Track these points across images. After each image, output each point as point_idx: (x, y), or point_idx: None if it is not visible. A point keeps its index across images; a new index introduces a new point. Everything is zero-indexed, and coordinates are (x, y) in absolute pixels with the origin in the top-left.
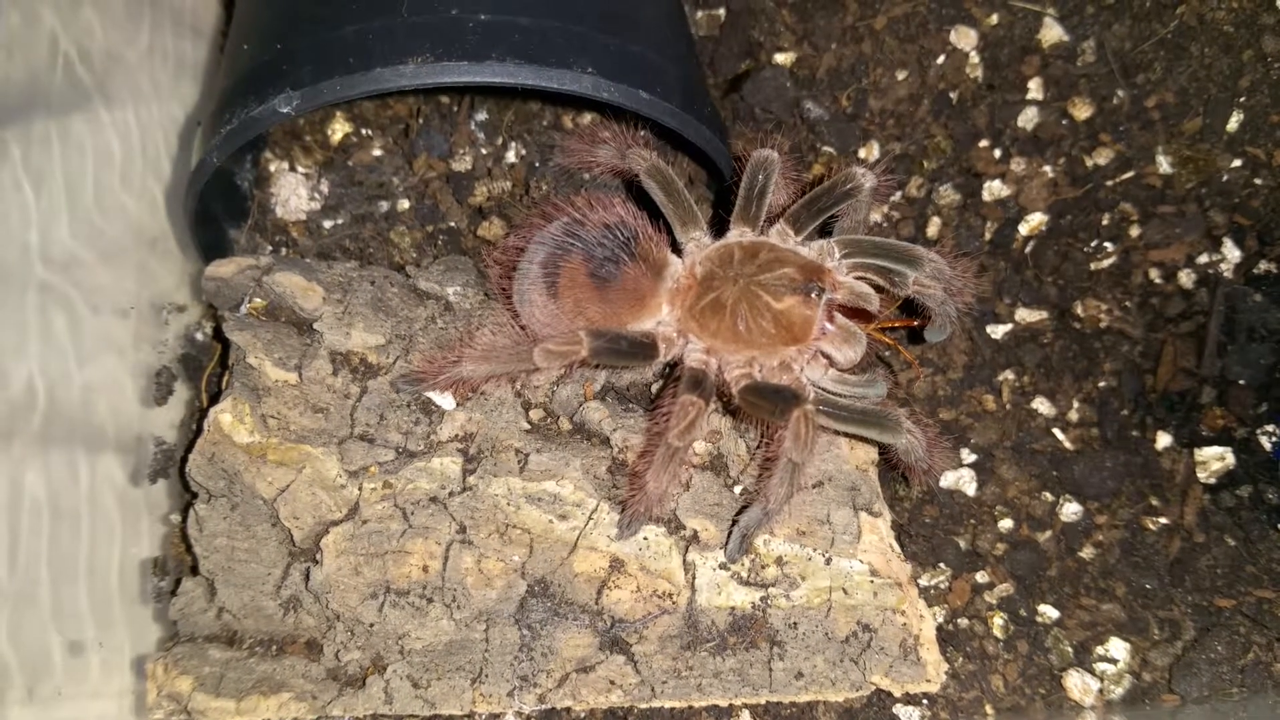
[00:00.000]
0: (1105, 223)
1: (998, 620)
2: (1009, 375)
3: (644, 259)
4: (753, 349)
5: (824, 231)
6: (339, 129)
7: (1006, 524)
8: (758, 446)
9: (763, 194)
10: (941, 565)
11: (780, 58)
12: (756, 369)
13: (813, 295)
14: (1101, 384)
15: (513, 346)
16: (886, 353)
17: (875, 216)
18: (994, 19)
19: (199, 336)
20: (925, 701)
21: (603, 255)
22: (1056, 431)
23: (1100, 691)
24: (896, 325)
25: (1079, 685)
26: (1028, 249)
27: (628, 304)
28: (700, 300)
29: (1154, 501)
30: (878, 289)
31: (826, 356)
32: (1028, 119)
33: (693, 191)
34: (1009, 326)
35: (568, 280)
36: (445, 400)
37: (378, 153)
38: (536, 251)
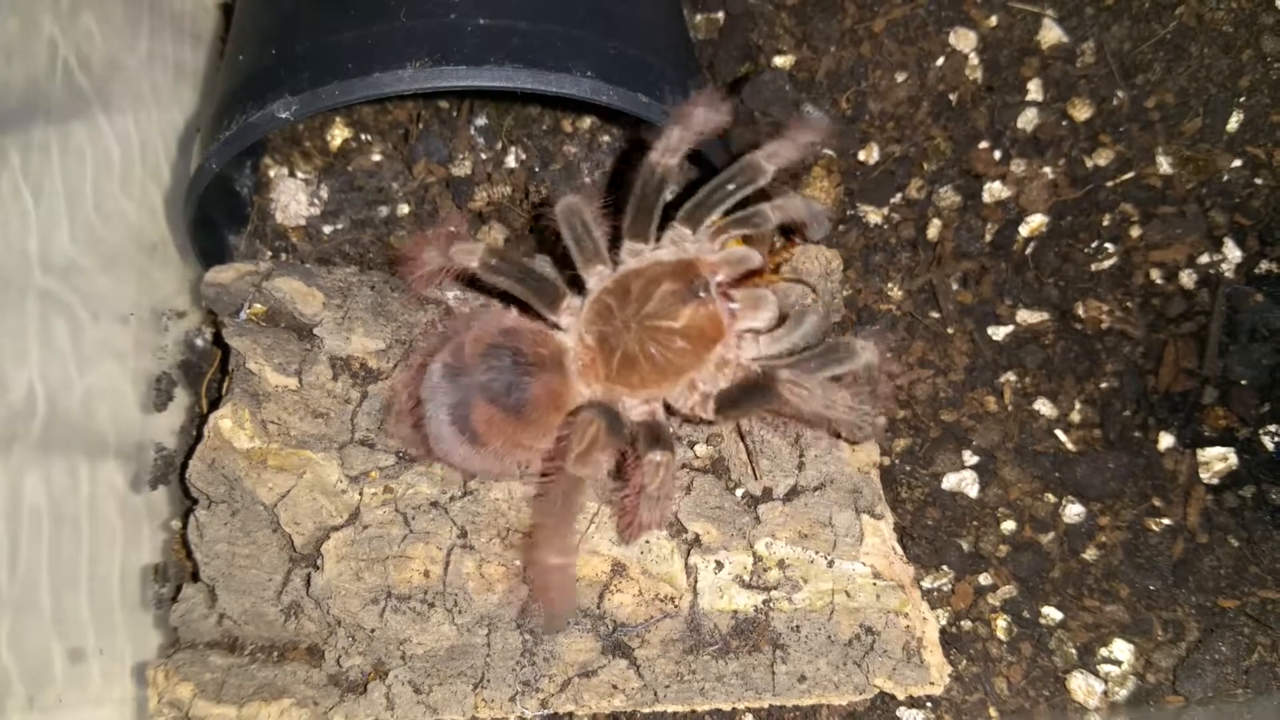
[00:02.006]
0: (1106, 224)
1: (1001, 622)
2: (1010, 377)
3: (541, 363)
4: (684, 373)
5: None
6: (338, 134)
7: (1009, 526)
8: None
9: (650, 206)
10: (944, 567)
11: (779, 60)
12: (701, 386)
13: (701, 294)
14: (1103, 385)
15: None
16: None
17: (875, 219)
18: (993, 21)
19: (199, 342)
20: (929, 704)
21: (503, 387)
22: (1059, 433)
23: (1104, 693)
24: (786, 257)
25: (1083, 687)
26: (1028, 250)
27: (553, 409)
28: (610, 365)
29: (1157, 502)
30: (747, 238)
31: (751, 331)
32: (1027, 120)
33: None
34: (1010, 328)
35: (485, 426)
36: None
37: (377, 158)
38: (437, 410)
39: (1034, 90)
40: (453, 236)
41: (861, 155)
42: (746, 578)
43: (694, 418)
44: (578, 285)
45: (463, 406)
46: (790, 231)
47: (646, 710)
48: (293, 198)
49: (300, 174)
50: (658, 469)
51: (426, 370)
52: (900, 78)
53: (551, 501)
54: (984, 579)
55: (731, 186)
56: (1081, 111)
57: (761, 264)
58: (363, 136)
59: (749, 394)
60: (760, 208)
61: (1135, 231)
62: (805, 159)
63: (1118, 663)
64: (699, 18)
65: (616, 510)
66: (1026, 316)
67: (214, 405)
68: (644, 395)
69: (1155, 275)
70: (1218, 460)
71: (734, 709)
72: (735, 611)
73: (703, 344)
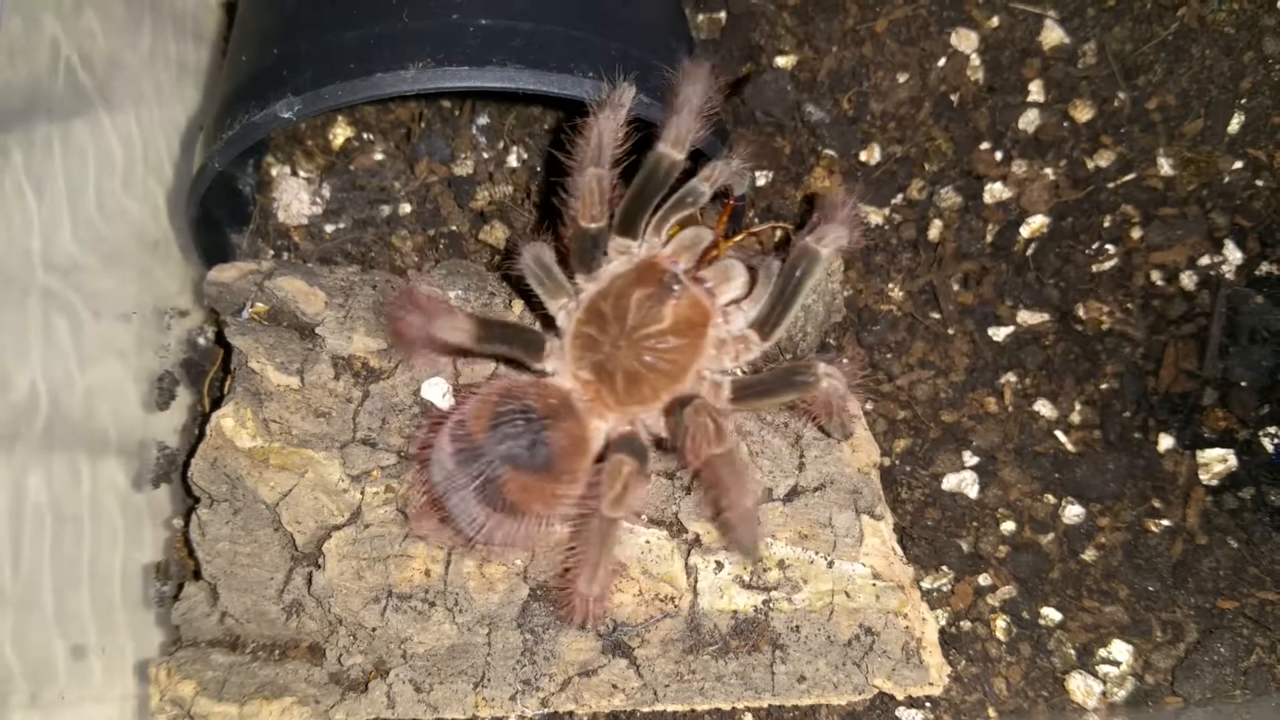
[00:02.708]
0: (1107, 225)
1: (1000, 623)
2: (1011, 377)
3: (553, 413)
4: (689, 368)
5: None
6: (341, 133)
7: (1009, 526)
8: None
9: (648, 201)
10: (944, 568)
11: (781, 61)
12: (708, 375)
13: (675, 287)
14: (1103, 386)
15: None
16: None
17: (877, 219)
18: (995, 21)
19: (201, 341)
20: (928, 704)
21: (525, 448)
22: (1058, 434)
23: (1103, 694)
24: (726, 220)
25: (1082, 687)
26: (1029, 251)
27: (579, 454)
28: (615, 389)
29: (1156, 503)
30: (690, 218)
31: (731, 302)
32: (1029, 121)
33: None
34: (1010, 329)
35: (520, 494)
36: (447, 404)
37: (379, 157)
38: (465, 495)
39: (1035, 91)
40: (434, 305)
41: (863, 156)
42: (746, 578)
43: (723, 414)
44: (548, 324)
45: (491, 483)
46: (720, 195)
47: (646, 710)
48: (295, 197)
49: (302, 173)
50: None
51: (434, 462)
52: (902, 78)
53: (588, 540)
54: (983, 580)
55: (653, 188)
56: (1083, 113)
57: (714, 237)
58: (365, 136)
59: (782, 377)
60: (690, 185)
61: (1136, 233)
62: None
63: (1117, 663)
64: (701, 17)
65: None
66: (1027, 317)
67: (216, 404)
68: (656, 406)
69: (1156, 277)
70: (1217, 462)
71: (733, 709)
72: (735, 612)
73: (695, 332)
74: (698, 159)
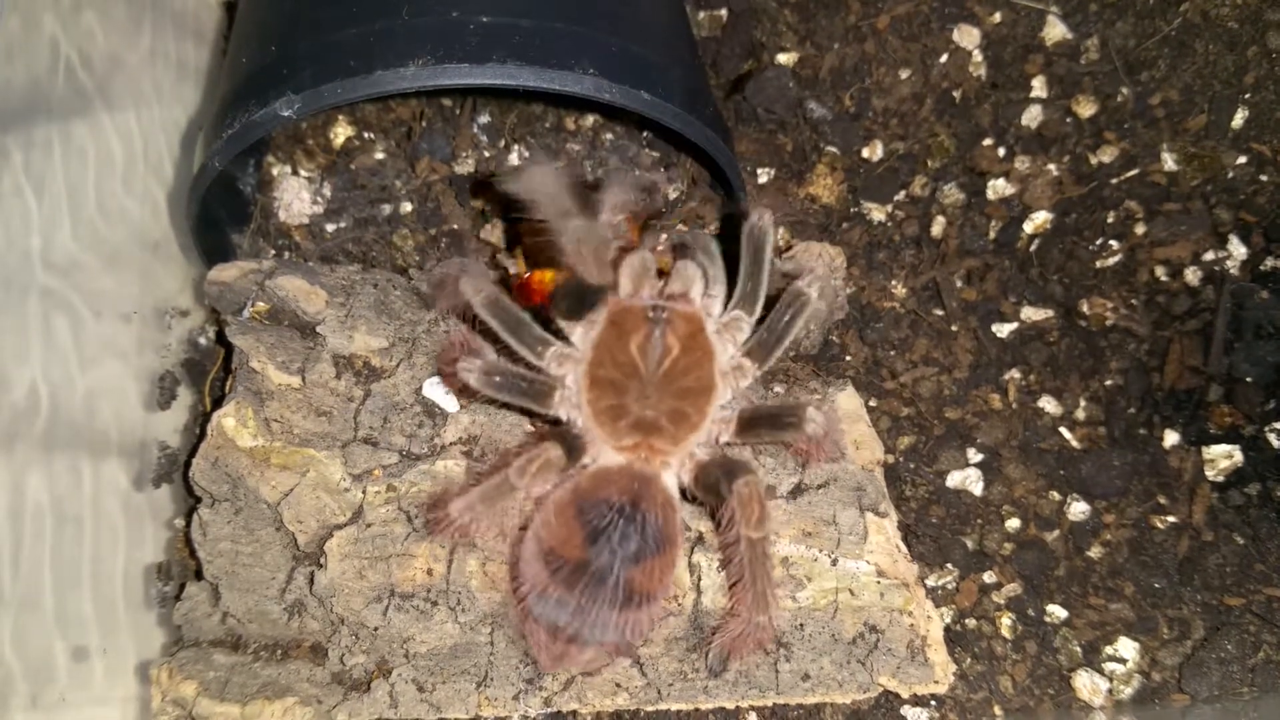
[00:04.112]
0: (1110, 221)
1: (1006, 620)
2: (1015, 374)
3: (634, 494)
4: (714, 370)
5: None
6: (341, 132)
7: (1014, 524)
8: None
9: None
10: (949, 565)
11: (783, 58)
12: (723, 413)
13: (660, 313)
14: (1108, 382)
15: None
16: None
17: (879, 216)
18: (997, 17)
19: (202, 341)
20: (933, 703)
21: (637, 541)
22: (1063, 430)
23: (1109, 691)
24: (640, 230)
25: (1088, 685)
26: (1033, 247)
27: (676, 514)
28: (667, 435)
29: (1162, 500)
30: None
31: (708, 298)
32: (1032, 117)
33: (696, 192)
34: (1014, 325)
35: (648, 579)
36: (449, 403)
37: (380, 156)
38: (599, 612)
39: (1038, 87)
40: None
41: (865, 152)
42: None
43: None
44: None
45: (616, 588)
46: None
47: (650, 708)
48: (296, 196)
49: (303, 172)
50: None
51: (545, 604)
52: (904, 74)
53: (743, 570)
54: (988, 577)
55: None
56: (1086, 108)
57: (647, 253)
58: (365, 135)
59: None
60: (595, 229)
61: (1140, 228)
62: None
63: (1123, 661)
64: (702, 15)
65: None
66: (1031, 314)
67: (217, 404)
68: (706, 424)
69: (1160, 272)
70: (1223, 458)
71: (738, 708)
72: None
73: (699, 339)
74: (705, 162)
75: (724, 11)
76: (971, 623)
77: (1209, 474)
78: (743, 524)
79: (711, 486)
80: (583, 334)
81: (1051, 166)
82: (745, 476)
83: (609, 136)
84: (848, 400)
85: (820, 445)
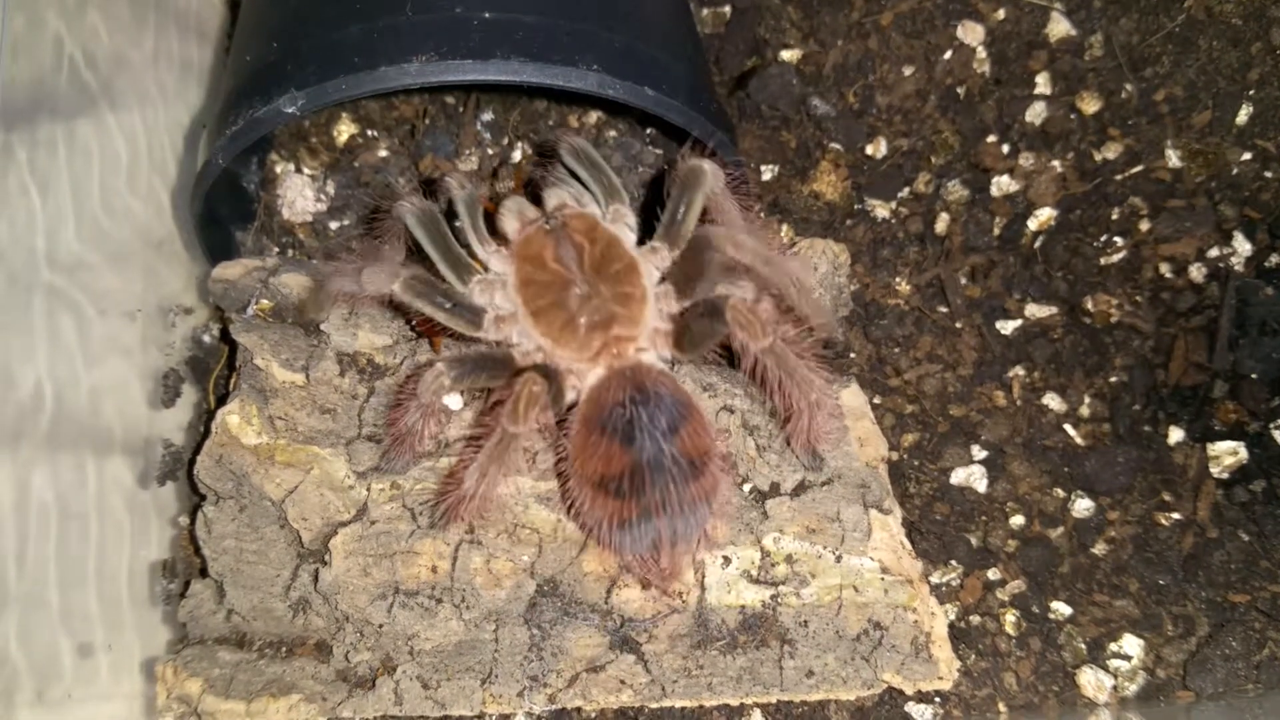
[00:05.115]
0: (1115, 217)
1: (1010, 617)
2: (1019, 371)
3: (638, 373)
4: (635, 261)
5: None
6: (345, 130)
7: (1018, 520)
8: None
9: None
10: (953, 562)
11: (786, 54)
12: (656, 325)
13: (557, 219)
14: (1113, 379)
15: None
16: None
17: (883, 213)
18: (1001, 14)
19: (206, 339)
20: (937, 699)
21: (667, 411)
22: (1068, 427)
23: (1114, 688)
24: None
25: (1093, 682)
26: (1037, 244)
27: (678, 382)
28: (625, 323)
29: (1166, 497)
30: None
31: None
32: (1036, 114)
33: None
34: (1019, 322)
35: (694, 447)
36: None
37: (384, 153)
38: (681, 505)
39: (1042, 84)
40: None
41: (869, 149)
42: (754, 573)
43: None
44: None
45: (676, 463)
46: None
47: (654, 705)
48: (299, 193)
49: (307, 170)
50: None
51: (639, 542)
52: (907, 71)
53: (776, 369)
54: (993, 574)
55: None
56: (1090, 105)
57: (513, 196)
58: (369, 132)
59: (698, 317)
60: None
61: (1144, 225)
62: None
63: (1128, 658)
64: (706, 11)
65: None
66: (1035, 311)
67: (221, 401)
68: (648, 313)
69: (1164, 269)
70: (1228, 454)
71: (742, 704)
72: (743, 607)
73: (604, 234)
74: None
75: (727, 8)
76: (976, 619)
77: (1214, 470)
78: (752, 341)
79: (704, 332)
80: (504, 291)
81: (1056, 163)
82: (729, 301)
83: (612, 134)
84: (852, 397)
85: (762, 324)
